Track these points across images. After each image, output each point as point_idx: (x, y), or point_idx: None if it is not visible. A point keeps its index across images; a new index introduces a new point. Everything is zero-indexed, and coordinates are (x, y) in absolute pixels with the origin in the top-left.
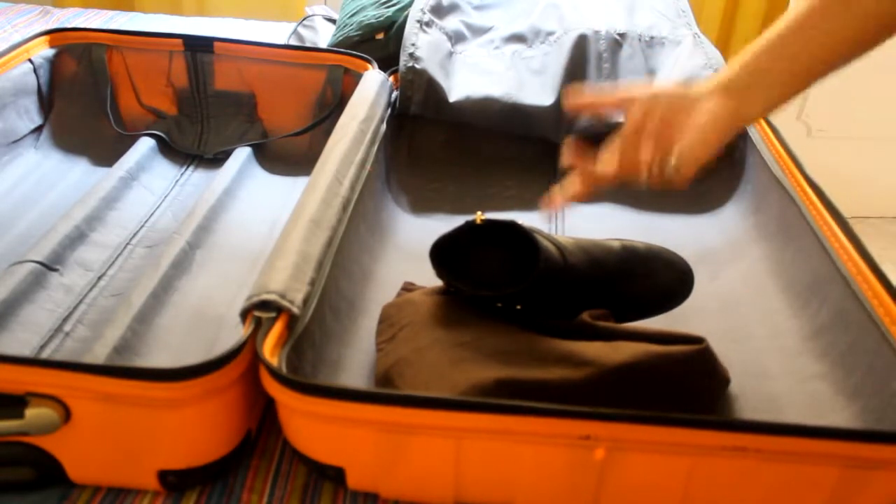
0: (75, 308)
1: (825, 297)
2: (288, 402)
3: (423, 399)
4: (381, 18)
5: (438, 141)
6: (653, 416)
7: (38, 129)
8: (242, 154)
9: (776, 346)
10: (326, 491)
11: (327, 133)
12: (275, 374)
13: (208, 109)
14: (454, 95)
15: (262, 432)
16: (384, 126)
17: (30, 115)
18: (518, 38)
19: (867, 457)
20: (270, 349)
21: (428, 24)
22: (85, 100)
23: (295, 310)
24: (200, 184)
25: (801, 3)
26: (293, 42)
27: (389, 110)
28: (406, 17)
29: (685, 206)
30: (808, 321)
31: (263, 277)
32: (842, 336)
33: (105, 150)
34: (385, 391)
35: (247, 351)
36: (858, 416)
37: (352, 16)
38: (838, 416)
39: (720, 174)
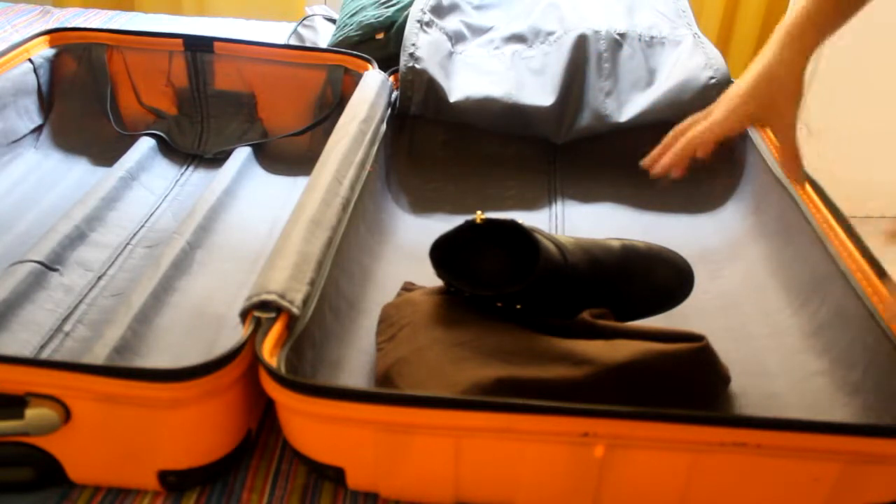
0: (75, 308)
1: (825, 295)
2: (287, 402)
3: (422, 398)
4: (381, 18)
5: (438, 141)
6: (652, 412)
7: (38, 129)
8: (242, 154)
9: (777, 344)
10: (326, 491)
11: (327, 133)
12: (274, 374)
13: (208, 109)
14: (454, 95)
15: (262, 432)
16: (384, 126)
17: (30, 115)
18: (518, 38)
19: (868, 452)
20: (270, 350)
21: (428, 24)
22: (85, 100)
23: (294, 310)
24: (200, 184)
25: None
26: (293, 42)
27: (389, 110)
28: (406, 17)
29: (685, 205)
30: (809, 319)
31: (263, 278)
32: (842, 333)
33: (105, 150)
34: (384, 391)
35: (247, 351)
36: (859, 413)
37: (352, 16)
38: (839, 412)
39: (720, 174)
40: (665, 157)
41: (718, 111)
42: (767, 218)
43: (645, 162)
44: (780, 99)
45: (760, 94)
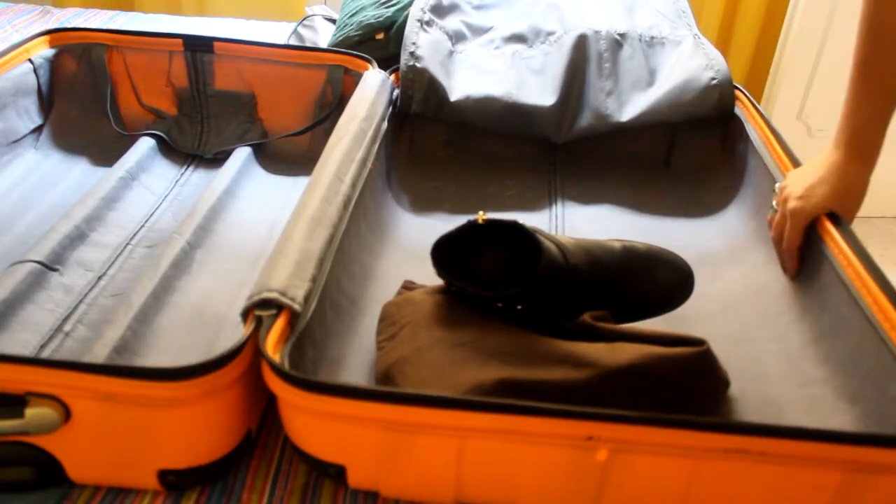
0: (75, 308)
1: (826, 302)
2: (290, 398)
3: (426, 398)
4: (381, 18)
5: (439, 140)
6: (656, 417)
7: (38, 129)
8: (242, 154)
9: (777, 349)
10: (327, 491)
11: (327, 133)
12: (278, 370)
13: (208, 109)
14: (455, 95)
15: (262, 432)
16: (385, 124)
17: (30, 115)
18: (518, 38)
19: (869, 461)
20: (273, 346)
21: (428, 23)
22: (85, 100)
23: (296, 307)
24: (200, 184)
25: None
26: (293, 42)
27: (390, 109)
28: (406, 16)
29: (686, 208)
30: (809, 326)
31: (264, 276)
32: (842, 341)
33: (105, 150)
34: (389, 389)
35: (247, 350)
36: (858, 421)
37: (352, 16)
38: (838, 420)
39: (722, 178)
40: (786, 264)
41: (803, 219)
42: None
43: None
44: (852, 206)
45: (841, 205)
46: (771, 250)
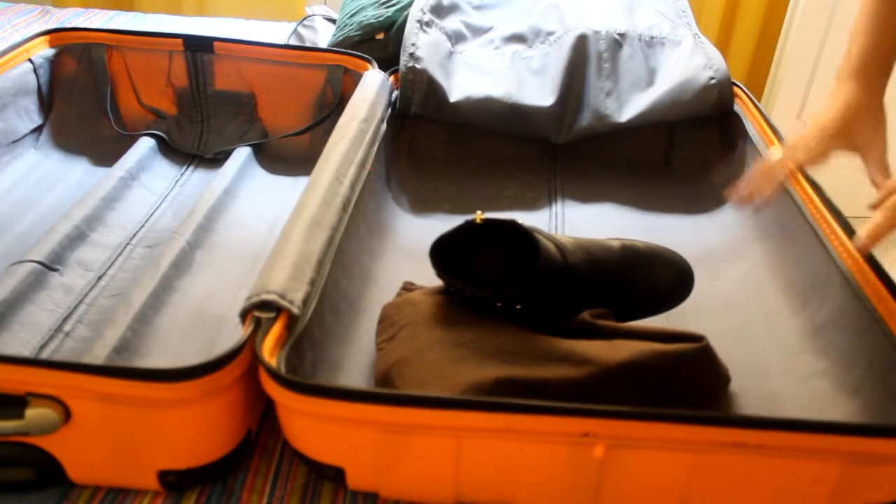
0: (75, 308)
1: (825, 296)
2: (287, 402)
3: (423, 399)
4: (381, 18)
5: (439, 141)
6: (652, 412)
7: (38, 129)
8: (242, 154)
9: (777, 344)
10: (326, 491)
11: (327, 133)
12: (274, 374)
13: (208, 109)
14: (454, 95)
15: (262, 432)
16: (384, 126)
17: (30, 115)
18: (518, 38)
19: (868, 452)
20: (269, 349)
21: (428, 24)
22: (85, 100)
23: (294, 310)
24: (200, 184)
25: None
26: (293, 42)
27: (390, 110)
28: (406, 17)
29: (685, 205)
30: (809, 319)
31: (263, 277)
32: (842, 334)
33: (105, 150)
34: (385, 391)
35: (246, 351)
36: (859, 414)
37: (352, 16)
38: (839, 413)
39: (721, 174)
40: (749, 184)
41: (803, 146)
42: (767, 218)
43: (730, 195)
44: (866, 132)
45: (848, 129)
46: (771, 247)
